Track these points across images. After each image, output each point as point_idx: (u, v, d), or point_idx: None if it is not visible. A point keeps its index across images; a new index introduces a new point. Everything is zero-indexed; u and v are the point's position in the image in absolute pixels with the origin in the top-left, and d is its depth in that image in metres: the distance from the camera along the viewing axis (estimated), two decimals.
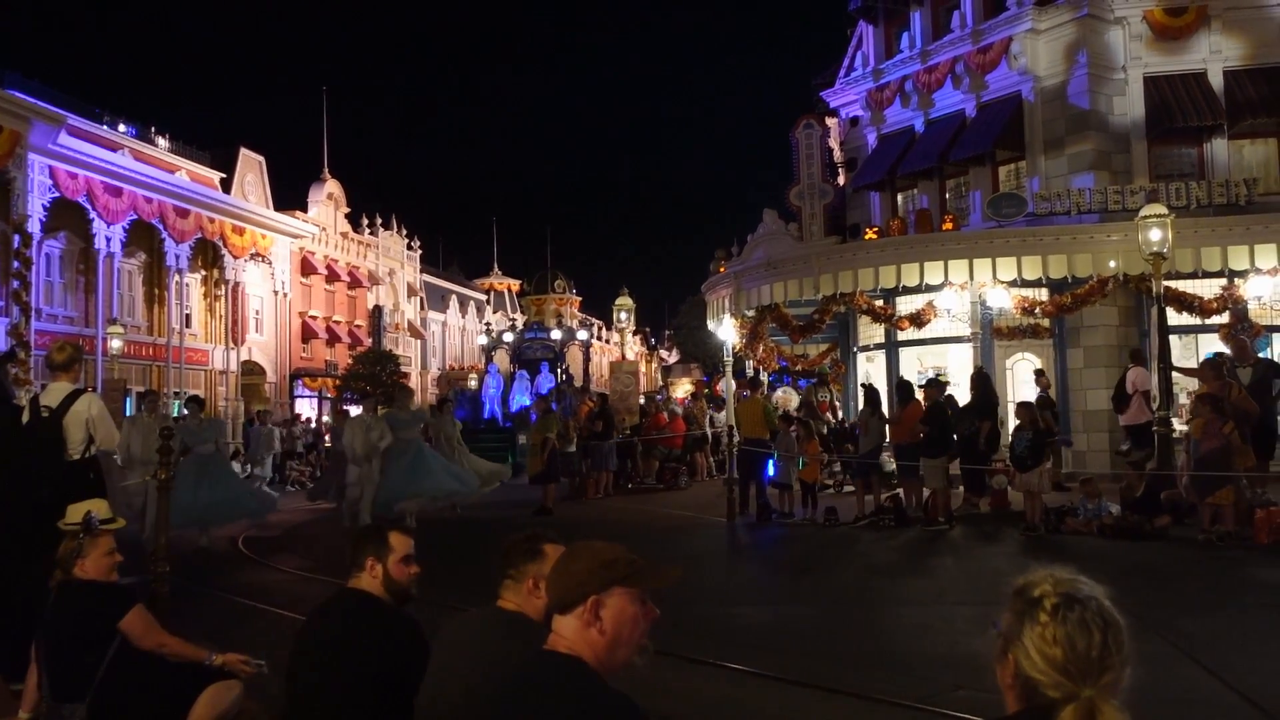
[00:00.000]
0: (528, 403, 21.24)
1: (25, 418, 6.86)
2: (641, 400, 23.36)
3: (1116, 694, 1.69)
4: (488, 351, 28.98)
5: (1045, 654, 1.70)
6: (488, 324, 34.77)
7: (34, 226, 25.15)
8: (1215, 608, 7.99)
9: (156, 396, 13.95)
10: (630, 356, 28.26)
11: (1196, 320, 16.76)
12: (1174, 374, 14.18)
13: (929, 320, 17.80)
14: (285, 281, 37.93)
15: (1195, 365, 14.50)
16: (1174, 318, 15.81)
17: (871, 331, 20.12)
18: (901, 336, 18.81)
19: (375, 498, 13.89)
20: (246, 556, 11.68)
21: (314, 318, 40.44)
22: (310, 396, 39.82)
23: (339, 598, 3.71)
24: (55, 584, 4.51)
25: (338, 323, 42.09)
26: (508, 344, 27.78)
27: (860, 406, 15.85)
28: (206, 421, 13.70)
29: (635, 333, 58.32)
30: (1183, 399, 16.44)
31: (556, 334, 27.02)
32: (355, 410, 37.69)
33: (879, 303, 18.36)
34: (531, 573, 3.17)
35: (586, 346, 27.65)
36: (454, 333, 55.09)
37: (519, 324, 31.45)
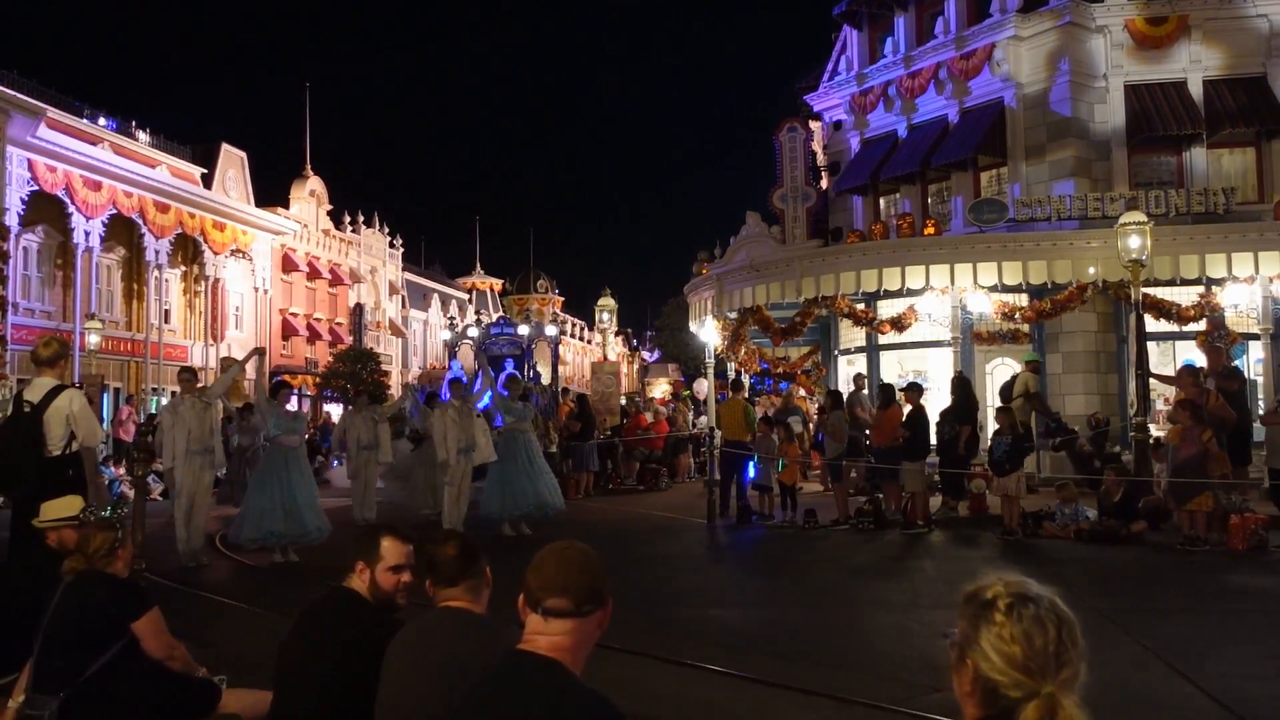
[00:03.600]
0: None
1: (9, 412, 6.83)
2: (623, 401, 23.32)
3: (1074, 690, 1.71)
4: (451, 347, 28.10)
5: (1004, 653, 1.71)
6: (451, 318, 33.81)
7: (11, 220, 24.92)
8: (1190, 612, 8.06)
9: (194, 373, 11.74)
10: (612, 357, 28.09)
11: (1174, 327, 16.91)
12: (1151, 380, 14.30)
13: (910, 324, 17.89)
14: (266, 278, 37.73)
15: (1172, 372, 14.65)
16: (1152, 324, 15.95)
17: (853, 335, 20.20)
18: (882, 340, 18.89)
19: (484, 505, 12.88)
20: (223, 554, 11.59)
21: (294, 315, 40.25)
22: (290, 394, 39.64)
23: (329, 596, 3.70)
24: (73, 571, 4.32)
25: (318, 320, 41.91)
26: (472, 339, 26.88)
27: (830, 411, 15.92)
28: (294, 411, 12.12)
29: (617, 334, 58.38)
30: (1160, 405, 16.60)
31: (524, 329, 26.18)
32: (337, 409, 37.20)
33: (860, 306, 18.43)
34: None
35: (555, 343, 26.90)
36: (435, 331, 54.94)
37: (484, 319, 30.41)
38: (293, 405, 12.79)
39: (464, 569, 3.17)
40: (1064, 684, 1.70)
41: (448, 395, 14.45)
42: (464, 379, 15.54)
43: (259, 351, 13.16)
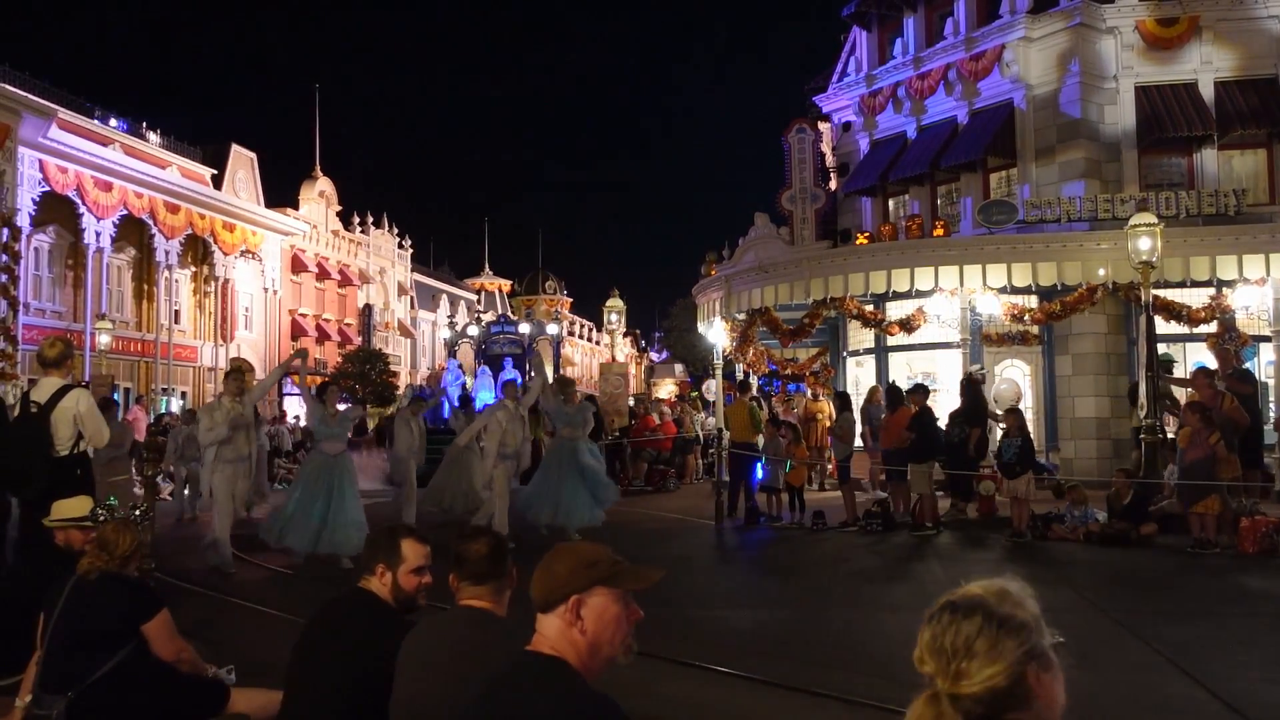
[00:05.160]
0: (491, 401, 20.41)
1: (16, 413, 6.85)
2: (631, 402, 23.31)
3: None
4: (450, 346, 27.84)
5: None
6: (450, 317, 33.57)
7: (23, 220, 25.02)
8: (1200, 615, 8.02)
9: (243, 375, 10.93)
10: (620, 358, 28.05)
11: (1185, 329, 16.85)
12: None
13: (918, 326, 17.84)
14: (275, 279, 37.85)
15: (1186, 374, 14.57)
16: (1162, 326, 15.87)
17: (861, 336, 20.16)
18: (891, 342, 18.85)
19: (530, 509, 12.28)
20: (233, 554, 11.59)
21: (304, 315, 40.37)
22: (299, 394, 39.76)
23: (345, 597, 3.71)
24: (94, 571, 4.31)
25: (327, 321, 42.03)
26: (472, 338, 26.50)
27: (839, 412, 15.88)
28: (340, 412, 11.24)
29: (625, 334, 58.44)
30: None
31: (525, 328, 25.61)
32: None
33: (869, 308, 18.40)
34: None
35: (557, 342, 26.61)
36: (444, 332, 55.09)
37: (484, 318, 30.04)
38: (343, 405, 11.89)
39: (492, 569, 3.17)
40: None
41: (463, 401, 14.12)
42: (473, 378, 15.35)
43: (303, 354, 12.31)
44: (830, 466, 17.16)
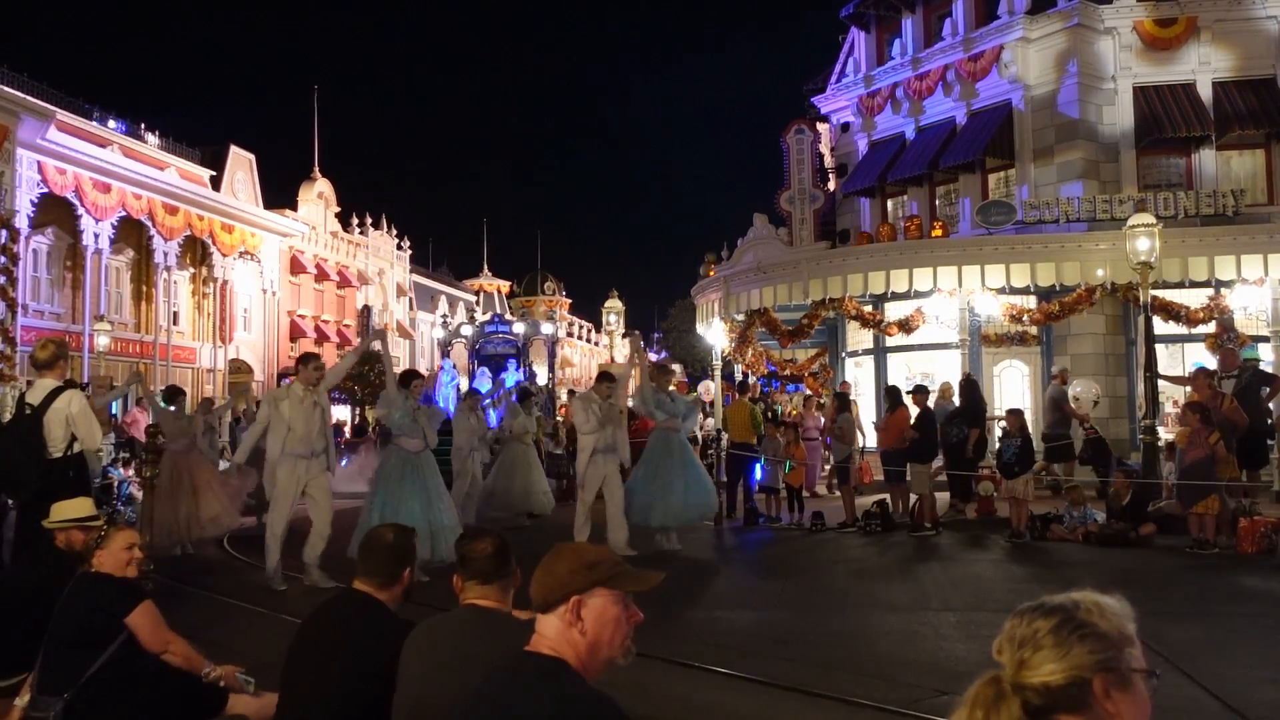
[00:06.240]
0: (486, 402, 20.21)
1: (11, 415, 6.86)
2: (629, 403, 23.27)
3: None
4: (444, 346, 27.55)
5: None
6: (444, 316, 33.28)
7: (21, 222, 25.00)
8: (1199, 616, 8.01)
9: (320, 362, 9.54)
10: (619, 359, 28.02)
11: (1183, 329, 16.87)
12: (1160, 383, 14.21)
13: (917, 326, 17.85)
14: (274, 280, 37.82)
15: (1184, 374, 14.57)
16: (1161, 327, 15.89)
17: (860, 337, 20.18)
18: (890, 342, 18.85)
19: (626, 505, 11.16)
20: (232, 556, 11.61)
21: (302, 316, 40.34)
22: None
23: (339, 597, 3.71)
24: (77, 573, 4.45)
25: (326, 322, 41.99)
26: (465, 338, 26.19)
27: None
28: (423, 408, 10.11)
29: (624, 335, 58.35)
30: (1169, 408, 16.55)
31: (520, 327, 25.25)
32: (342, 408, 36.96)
33: (868, 308, 18.41)
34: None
35: (552, 342, 26.36)
36: (438, 332, 54.97)
37: (478, 317, 29.63)
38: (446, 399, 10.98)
39: (498, 568, 3.17)
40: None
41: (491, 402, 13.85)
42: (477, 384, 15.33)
43: (381, 334, 11.00)
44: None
